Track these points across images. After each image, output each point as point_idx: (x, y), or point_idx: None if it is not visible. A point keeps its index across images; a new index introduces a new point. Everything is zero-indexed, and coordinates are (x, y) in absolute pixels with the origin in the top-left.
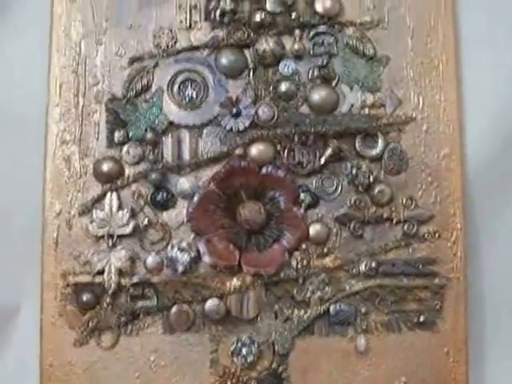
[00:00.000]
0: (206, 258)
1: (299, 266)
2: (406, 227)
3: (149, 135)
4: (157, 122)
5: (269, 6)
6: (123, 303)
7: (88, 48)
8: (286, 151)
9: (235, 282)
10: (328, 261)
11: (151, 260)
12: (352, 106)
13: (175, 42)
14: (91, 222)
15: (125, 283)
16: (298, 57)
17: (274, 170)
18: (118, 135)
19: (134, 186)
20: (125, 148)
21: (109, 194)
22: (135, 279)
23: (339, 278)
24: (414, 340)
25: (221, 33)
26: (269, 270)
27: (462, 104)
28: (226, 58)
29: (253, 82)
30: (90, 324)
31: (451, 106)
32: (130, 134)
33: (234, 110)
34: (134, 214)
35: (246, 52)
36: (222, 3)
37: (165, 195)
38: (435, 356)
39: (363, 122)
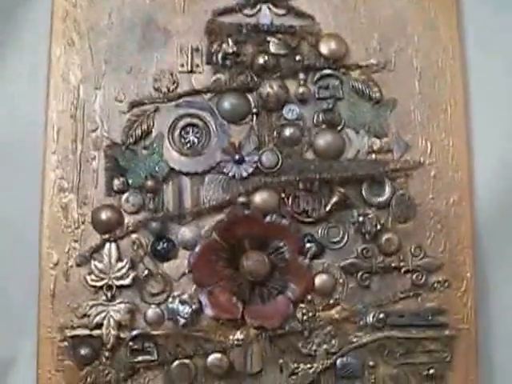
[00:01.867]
0: (208, 311)
1: (304, 318)
2: (414, 277)
3: (149, 183)
4: (157, 169)
5: (272, 49)
6: (122, 357)
7: (86, 92)
8: (290, 199)
9: (238, 335)
10: (334, 312)
11: (151, 312)
12: (358, 151)
13: (176, 86)
14: (89, 273)
15: (124, 336)
16: (303, 101)
17: (279, 219)
18: (117, 183)
19: (133, 236)
20: (124, 196)
21: (108, 243)
22: (135, 332)
23: (346, 330)
24: None
25: (223, 76)
26: (273, 322)
27: (472, 149)
28: (228, 103)
29: (256, 127)
30: (88, 379)
31: (460, 150)
32: (130, 182)
33: (237, 157)
34: (133, 265)
35: (249, 96)
36: (224, 46)
37: (165, 245)
38: None
39: (370, 167)
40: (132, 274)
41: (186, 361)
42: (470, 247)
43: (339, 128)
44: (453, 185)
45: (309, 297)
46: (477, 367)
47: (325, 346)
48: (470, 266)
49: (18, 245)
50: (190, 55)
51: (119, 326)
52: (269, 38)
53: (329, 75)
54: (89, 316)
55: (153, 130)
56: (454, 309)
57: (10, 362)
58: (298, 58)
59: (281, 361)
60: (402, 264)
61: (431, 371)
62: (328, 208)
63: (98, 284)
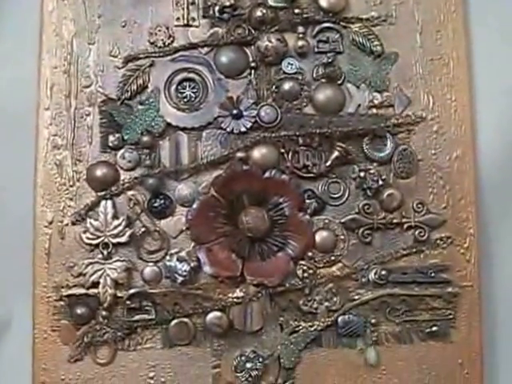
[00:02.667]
0: (207, 268)
1: (305, 275)
2: (416, 233)
3: (145, 139)
4: (153, 124)
5: (270, 1)
6: (120, 317)
7: (80, 47)
8: (290, 154)
9: (238, 292)
10: (335, 269)
11: (149, 270)
12: (359, 106)
13: (172, 40)
14: (85, 231)
15: (121, 295)
16: (302, 54)
17: (278, 174)
18: (112, 139)
19: (129, 193)
20: (120, 152)
21: (103, 201)
22: (132, 291)
23: (347, 287)
24: (426, 351)
25: (220, 30)
26: (273, 279)
27: (475, 103)
28: (225, 57)
29: (254, 81)
30: (85, 339)
31: (463, 105)
32: (126, 138)
33: (235, 112)
34: (130, 223)
35: (247, 50)
36: None
37: (162, 202)
38: (449, 368)
39: (371, 122)
40: (128, 232)
41: (185, 319)
42: (474, 203)
43: (339, 82)
44: (455, 140)
45: (309, 253)
46: (480, 325)
47: (326, 304)
48: (473, 223)
49: (11, 204)
50: (185, 8)
51: (116, 284)
52: None
53: (328, 28)
54: (85, 275)
55: (149, 84)
56: (457, 266)
57: (5, 323)
58: (296, 10)
59: (281, 319)
60: (404, 220)
61: (434, 329)
62: (328, 163)
63: (94, 242)
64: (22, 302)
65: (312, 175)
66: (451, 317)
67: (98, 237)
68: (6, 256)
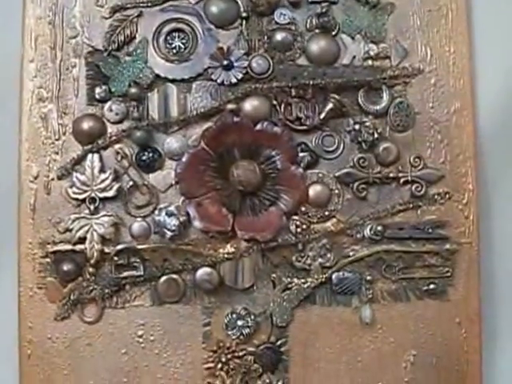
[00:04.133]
0: (197, 223)
1: (298, 230)
2: (413, 188)
3: (133, 90)
4: (141, 76)
5: None
6: (107, 273)
7: None
8: (282, 106)
9: (229, 248)
10: (330, 225)
11: (137, 226)
12: (354, 57)
13: None
14: (71, 185)
15: (108, 251)
16: (295, 4)
17: (270, 127)
18: (99, 91)
19: (117, 146)
20: (107, 105)
21: (90, 155)
22: (120, 247)
23: (342, 243)
24: (423, 310)
25: None
26: (265, 234)
27: (474, 55)
28: (216, 7)
29: (245, 31)
30: (72, 296)
31: (461, 57)
32: (113, 90)
33: (226, 62)
34: (117, 177)
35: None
36: None
37: (151, 155)
38: (446, 327)
39: (366, 74)
40: (116, 186)
41: (174, 276)
42: (472, 158)
43: (334, 33)
44: (454, 93)
45: (303, 208)
46: (479, 283)
47: (320, 260)
48: (471, 178)
49: None
50: None
51: (103, 240)
52: None
53: None
54: (71, 230)
55: (136, 35)
56: (455, 222)
57: None
58: None
59: (273, 275)
60: (400, 175)
61: (431, 286)
62: (322, 116)
63: (81, 197)
64: (7, 259)
65: (305, 128)
66: (449, 274)
67: (85, 191)
68: None
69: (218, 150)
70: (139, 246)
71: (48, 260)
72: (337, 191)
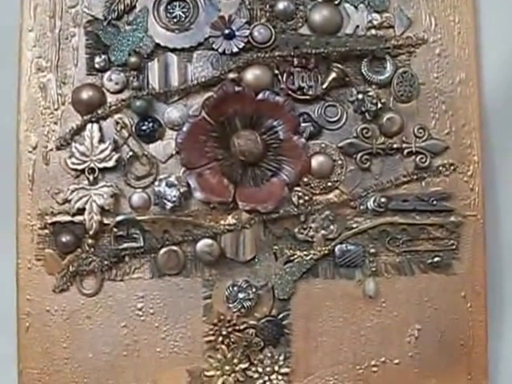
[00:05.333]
0: (198, 194)
1: (301, 201)
2: (418, 159)
3: (133, 59)
4: (141, 45)
5: None
6: (106, 245)
7: None
8: (284, 75)
9: (230, 219)
10: (332, 196)
11: (137, 196)
12: (357, 27)
13: None
14: (70, 156)
15: (108, 222)
16: None
17: (272, 96)
18: (98, 60)
19: (116, 116)
20: (106, 74)
21: (89, 125)
22: (119, 218)
23: (345, 215)
24: (427, 283)
25: None
26: (267, 206)
27: (479, 25)
28: None
29: (247, 0)
30: (71, 268)
31: (466, 27)
32: (112, 59)
33: (227, 32)
34: (117, 147)
35: None
36: None
37: (151, 125)
38: (451, 301)
39: (370, 44)
40: (115, 156)
41: (174, 247)
42: (477, 129)
43: (336, 2)
44: (459, 63)
45: (305, 179)
46: (484, 256)
47: (322, 232)
48: (477, 149)
49: None
50: None
51: (102, 211)
52: None
53: None
54: (70, 201)
55: (136, 4)
56: (460, 194)
57: None
58: None
59: (275, 247)
60: (404, 146)
61: (436, 259)
62: (325, 85)
63: (80, 167)
64: (5, 230)
65: (308, 98)
66: (454, 247)
67: (84, 162)
68: None
69: (219, 120)
70: (139, 218)
71: (46, 231)
72: (340, 162)
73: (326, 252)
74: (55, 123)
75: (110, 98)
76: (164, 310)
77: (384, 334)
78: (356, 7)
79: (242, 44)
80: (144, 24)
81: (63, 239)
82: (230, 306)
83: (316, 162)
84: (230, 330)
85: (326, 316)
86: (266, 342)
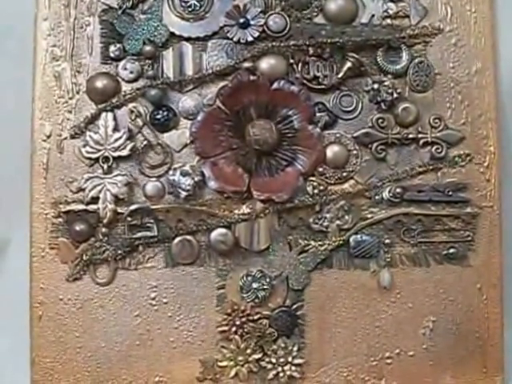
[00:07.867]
0: (212, 183)
1: (315, 191)
2: (433, 150)
3: (147, 48)
4: (156, 34)
5: None
6: (120, 234)
7: None
8: (299, 65)
9: (244, 209)
10: (347, 186)
11: (151, 186)
12: (373, 16)
13: None
14: (84, 144)
15: (122, 211)
16: None
17: (287, 85)
18: (113, 49)
19: (131, 105)
20: (121, 63)
21: (104, 113)
22: (133, 207)
23: (360, 205)
24: (443, 275)
25: None
26: (281, 195)
27: (495, 14)
28: None
29: None
30: (84, 257)
31: (483, 16)
32: (127, 48)
33: (242, 20)
34: (131, 136)
35: None
36: None
37: (166, 114)
38: (466, 293)
39: (385, 33)
40: (130, 145)
41: (188, 237)
42: (494, 120)
43: None
44: (475, 53)
45: (320, 169)
46: (500, 248)
47: (337, 222)
48: (493, 140)
49: (8, 117)
50: None
51: (116, 199)
52: None
53: None
54: (84, 190)
55: None
56: (476, 185)
57: (2, 241)
58: None
59: (290, 237)
60: (420, 136)
61: (451, 251)
62: (341, 75)
63: (94, 156)
64: (20, 219)
65: (323, 87)
66: (470, 239)
67: (98, 150)
68: (3, 172)
69: (234, 109)
70: (153, 207)
71: (60, 220)
72: (355, 152)
73: (341, 242)
74: (70, 112)
75: (125, 87)
76: (177, 300)
77: (399, 325)
78: None
79: (257, 33)
80: (159, 13)
81: (77, 228)
82: (244, 296)
83: (331, 151)
84: (243, 320)
85: (341, 307)
86: (279, 332)
